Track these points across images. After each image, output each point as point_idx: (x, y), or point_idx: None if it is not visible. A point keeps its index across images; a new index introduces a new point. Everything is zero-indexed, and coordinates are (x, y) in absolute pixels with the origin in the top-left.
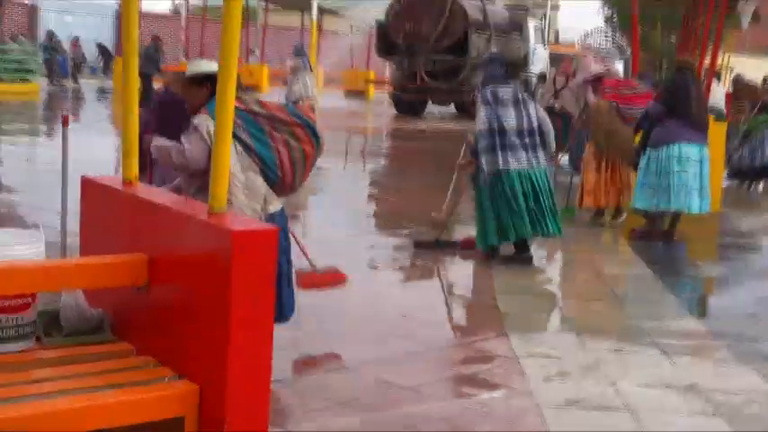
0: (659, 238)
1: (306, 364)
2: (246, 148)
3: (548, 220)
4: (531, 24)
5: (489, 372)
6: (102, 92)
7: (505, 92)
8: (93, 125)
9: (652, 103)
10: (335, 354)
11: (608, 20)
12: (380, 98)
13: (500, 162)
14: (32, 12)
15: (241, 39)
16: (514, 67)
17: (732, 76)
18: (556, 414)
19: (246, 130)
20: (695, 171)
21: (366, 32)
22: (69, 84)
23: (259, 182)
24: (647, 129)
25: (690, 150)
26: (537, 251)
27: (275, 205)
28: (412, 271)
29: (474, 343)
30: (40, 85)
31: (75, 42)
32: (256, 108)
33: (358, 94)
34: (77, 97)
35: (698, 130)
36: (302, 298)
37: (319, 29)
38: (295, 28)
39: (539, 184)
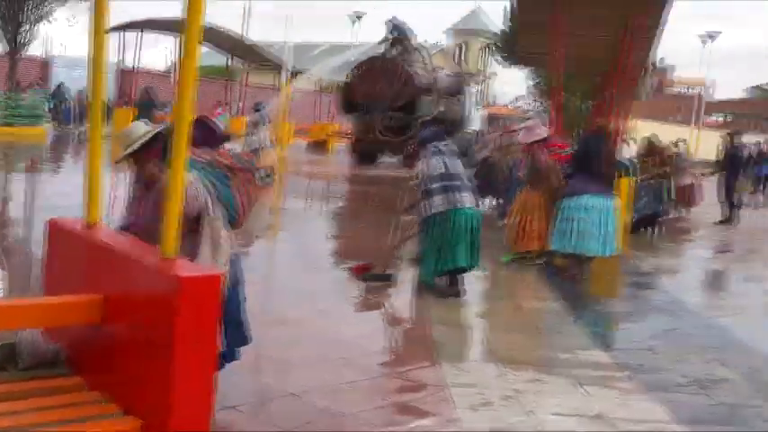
0: (572, 277)
1: (256, 391)
2: (216, 198)
3: (476, 255)
4: (469, 90)
5: (421, 400)
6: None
7: (446, 145)
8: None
9: (569, 161)
10: (283, 382)
11: (536, 86)
12: (341, 148)
13: (455, 201)
14: (45, 67)
15: (223, 94)
16: (455, 126)
17: (643, 138)
18: None
19: (211, 179)
20: (597, 219)
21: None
22: (73, 129)
23: (226, 225)
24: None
25: (594, 201)
26: (469, 286)
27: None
28: (359, 303)
29: (409, 372)
30: (46, 130)
31: (80, 94)
32: (215, 158)
33: (322, 144)
34: (80, 140)
35: (602, 184)
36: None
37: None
38: (269, 86)
39: (478, 223)
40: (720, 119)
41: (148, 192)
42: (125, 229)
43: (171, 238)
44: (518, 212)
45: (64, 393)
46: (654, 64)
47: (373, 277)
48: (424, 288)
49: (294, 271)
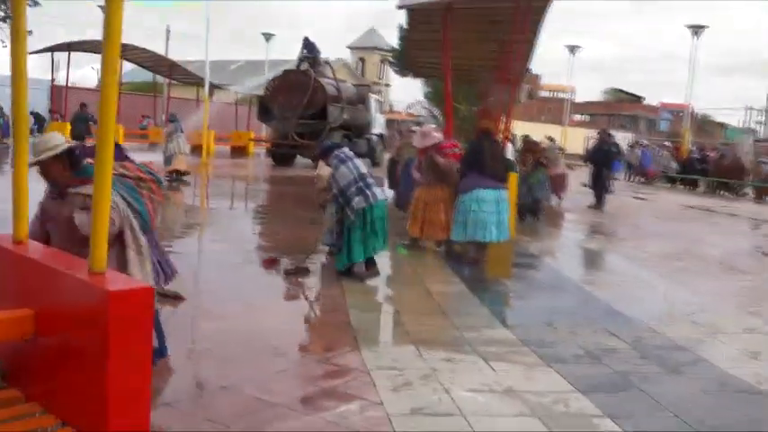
0: (473, 261)
1: (189, 387)
2: (132, 209)
3: (386, 238)
4: (373, 98)
5: (346, 385)
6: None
7: (347, 151)
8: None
9: (460, 164)
10: (215, 375)
11: (427, 95)
12: (258, 152)
13: (370, 198)
14: None
15: (151, 107)
16: (360, 130)
17: (521, 136)
18: (403, 421)
19: (123, 192)
20: (491, 210)
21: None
22: (10, 142)
23: (143, 236)
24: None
25: (485, 194)
26: (381, 273)
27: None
28: (282, 295)
29: (332, 358)
30: None
31: None
32: (122, 171)
33: (241, 149)
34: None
35: (492, 179)
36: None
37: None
38: (192, 99)
39: (384, 212)
40: (583, 118)
41: (62, 201)
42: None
43: (99, 251)
44: (420, 206)
45: (0, 407)
46: (528, 71)
47: (293, 270)
48: (344, 274)
49: (218, 267)
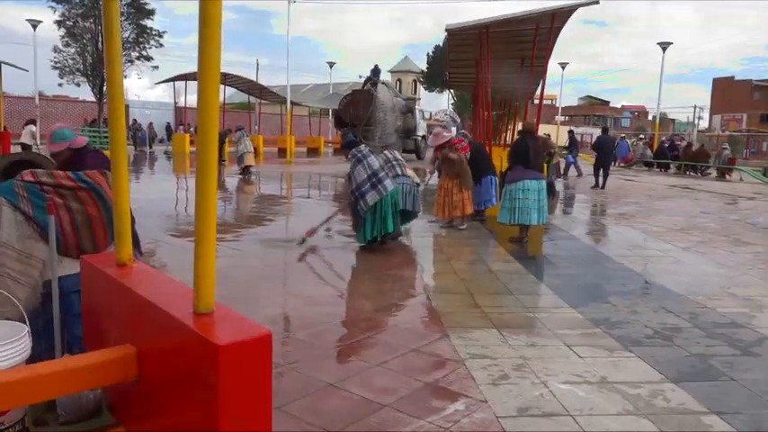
0: (519, 240)
1: (299, 384)
2: (26, 217)
3: (395, 222)
4: (417, 108)
5: (446, 379)
6: (167, 153)
7: (363, 149)
8: (159, 174)
9: (508, 159)
10: (320, 368)
11: (455, 104)
12: (327, 151)
13: (382, 191)
14: (125, 108)
15: (246, 120)
16: (410, 133)
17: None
18: (513, 424)
19: (29, 200)
20: (534, 198)
21: (318, 115)
22: (147, 149)
23: (39, 249)
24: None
25: (530, 184)
26: (441, 253)
27: (68, 268)
28: (361, 273)
29: (426, 346)
30: (129, 151)
31: (150, 125)
32: (44, 179)
33: (315, 150)
34: (152, 157)
35: (535, 171)
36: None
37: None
38: (278, 113)
39: (396, 198)
40: (563, 119)
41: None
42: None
43: (205, 287)
44: (442, 194)
45: None
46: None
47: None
48: (366, 246)
49: (293, 248)
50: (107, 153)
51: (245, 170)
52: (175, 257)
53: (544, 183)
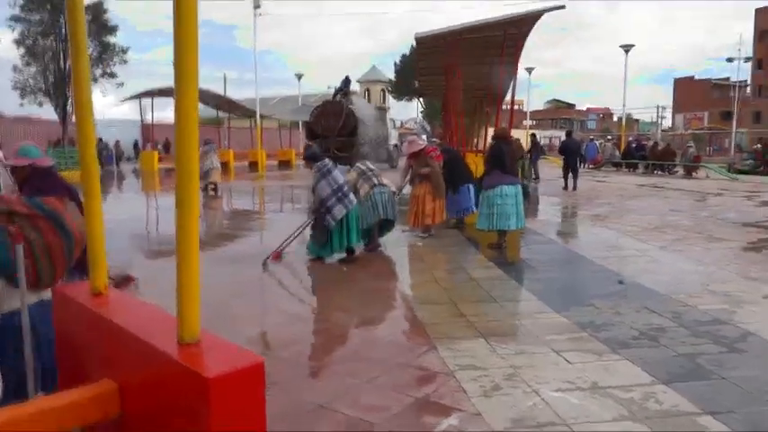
0: (498, 246)
1: (288, 405)
2: None
3: (359, 234)
4: (389, 117)
5: (437, 393)
6: (134, 171)
7: (328, 163)
8: (128, 193)
9: (484, 164)
10: (308, 388)
11: (423, 112)
12: (299, 163)
13: (348, 206)
14: None
15: (215, 135)
16: (381, 142)
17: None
18: None
19: None
20: (512, 203)
21: (288, 127)
22: (114, 168)
23: None
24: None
25: (507, 190)
26: (425, 259)
27: (31, 299)
28: (340, 288)
29: (414, 359)
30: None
31: (117, 143)
32: None
33: (286, 162)
34: (119, 176)
35: (511, 176)
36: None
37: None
38: (247, 127)
39: (359, 212)
40: (531, 123)
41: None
42: None
43: (190, 312)
44: (414, 201)
45: None
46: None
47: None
48: (317, 260)
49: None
50: (75, 174)
51: (211, 187)
52: (152, 279)
53: (520, 187)
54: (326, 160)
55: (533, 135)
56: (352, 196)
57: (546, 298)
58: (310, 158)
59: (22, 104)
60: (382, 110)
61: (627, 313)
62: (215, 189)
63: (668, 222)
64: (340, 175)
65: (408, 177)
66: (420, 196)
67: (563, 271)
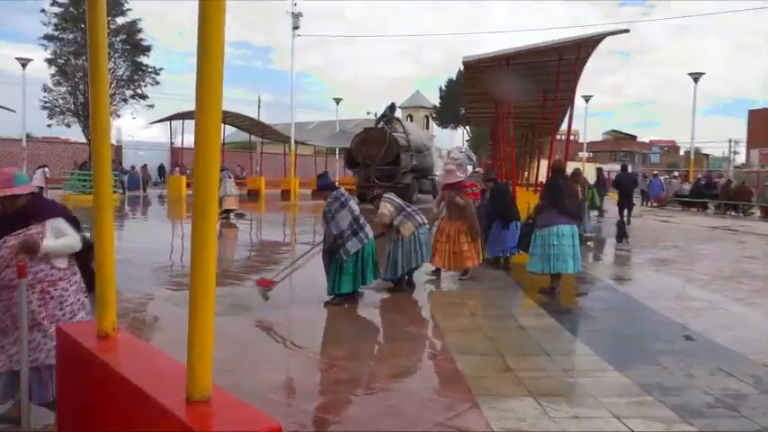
0: (551, 291)
1: None
2: None
3: (375, 272)
4: (434, 145)
5: None
6: (161, 197)
7: (344, 192)
8: (153, 220)
9: (539, 200)
10: None
11: (469, 141)
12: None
13: (364, 240)
14: (118, 150)
15: (246, 161)
16: (425, 172)
17: (574, 169)
18: None
19: None
20: (569, 243)
21: (324, 154)
22: (140, 193)
23: None
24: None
25: (564, 229)
26: (470, 303)
27: None
28: (378, 334)
29: (454, 419)
30: (119, 197)
31: (144, 167)
32: None
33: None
34: (145, 202)
35: (569, 215)
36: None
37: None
38: (281, 153)
39: (375, 247)
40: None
41: None
42: None
43: (202, 369)
44: (443, 239)
45: None
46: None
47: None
48: (337, 299)
49: (298, 303)
50: (115, 196)
51: (227, 214)
52: (169, 315)
53: (577, 227)
54: (342, 189)
55: (599, 169)
56: (368, 229)
57: (605, 353)
58: (326, 188)
59: (49, 125)
60: (425, 138)
61: (699, 375)
62: (227, 216)
63: (744, 271)
64: (356, 206)
65: (442, 208)
66: (452, 235)
67: (624, 322)
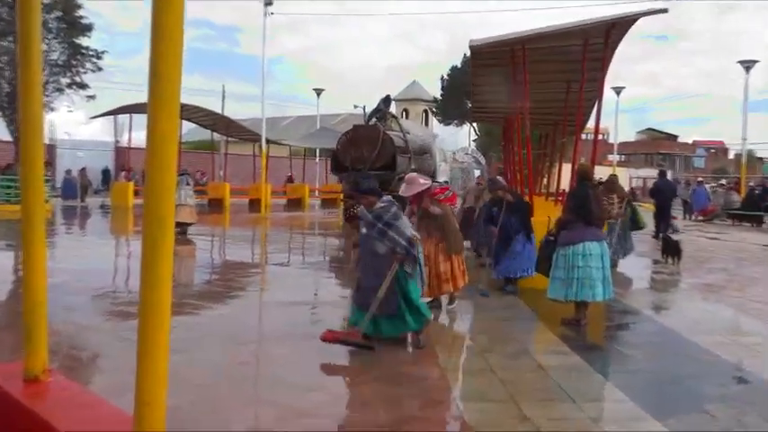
0: (577, 323)
1: None
2: None
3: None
4: (437, 147)
5: None
6: (103, 207)
7: (392, 199)
8: (95, 234)
9: (563, 213)
10: None
11: (477, 141)
12: (314, 203)
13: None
14: (51, 149)
15: (208, 164)
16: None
17: (611, 176)
18: None
19: None
20: (598, 265)
21: (302, 156)
22: (78, 203)
23: None
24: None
25: (592, 247)
26: (468, 340)
27: None
28: (377, 379)
29: None
30: (53, 205)
31: (83, 171)
32: None
33: (297, 202)
34: (84, 214)
35: (596, 228)
36: None
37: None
38: (249, 154)
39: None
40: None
41: None
42: None
43: (154, 418)
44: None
45: None
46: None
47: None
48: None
49: (279, 337)
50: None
51: (182, 229)
52: (112, 352)
53: (606, 245)
54: (387, 196)
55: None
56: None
57: (642, 398)
58: (370, 192)
59: None
60: (428, 137)
61: (756, 424)
62: (182, 231)
63: None
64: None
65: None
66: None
67: (664, 361)
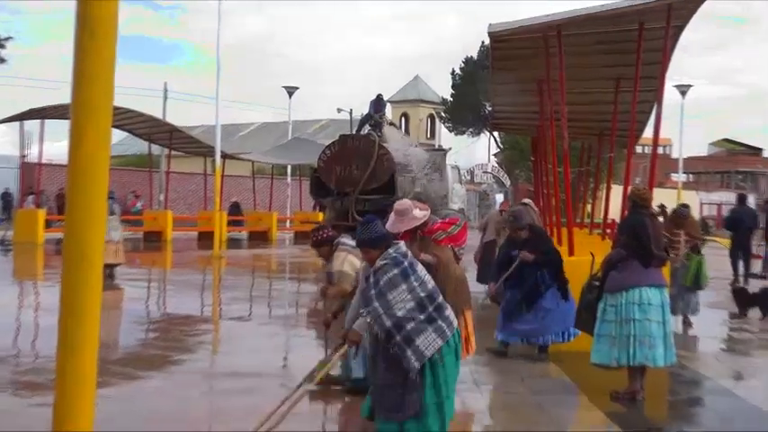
0: (632, 396)
1: None
2: None
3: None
4: (449, 165)
5: None
6: (2, 243)
7: (405, 251)
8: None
9: (613, 249)
10: None
11: (499, 154)
12: (283, 238)
13: (445, 332)
14: None
15: (147, 184)
16: (435, 205)
17: (677, 205)
18: None
19: None
20: (658, 318)
21: (269, 174)
22: None
23: None
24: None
25: (651, 295)
26: (489, 418)
27: None
28: None
29: None
30: None
31: None
32: None
33: (262, 235)
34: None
35: (657, 271)
36: None
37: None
38: (200, 173)
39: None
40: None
41: None
42: None
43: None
44: None
45: None
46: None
47: None
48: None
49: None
50: None
51: (108, 271)
52: None
53: (667, 293)
54: (402, 245)
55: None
56: (449, 312)
57: None
58: (378, 241)
59: None
60: (439, 151)
61: None
62: (110, 273)
63: None
64: (427, 273)
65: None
66: None
67: None
